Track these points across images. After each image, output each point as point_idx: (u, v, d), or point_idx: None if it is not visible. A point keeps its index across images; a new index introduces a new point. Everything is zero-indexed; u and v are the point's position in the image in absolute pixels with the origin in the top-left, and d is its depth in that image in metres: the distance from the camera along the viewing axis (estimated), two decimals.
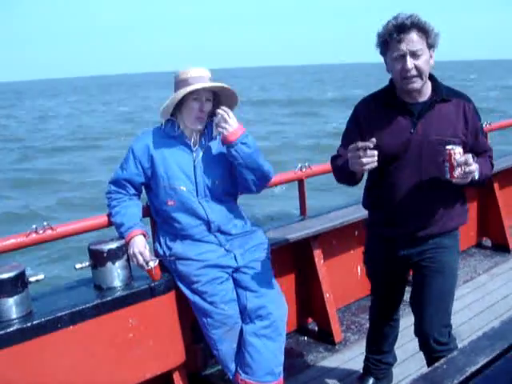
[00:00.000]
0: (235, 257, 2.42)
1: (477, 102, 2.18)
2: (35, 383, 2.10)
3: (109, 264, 2.31)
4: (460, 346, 2.05)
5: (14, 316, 2.07)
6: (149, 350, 2.35)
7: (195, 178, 2.40)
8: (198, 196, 2.40)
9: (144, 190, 2.52)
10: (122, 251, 2.35)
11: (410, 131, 2.04)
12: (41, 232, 2.33)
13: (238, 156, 2.35)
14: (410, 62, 1.94)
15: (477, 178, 1.96)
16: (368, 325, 2.66)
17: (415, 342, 2.33)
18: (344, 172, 2.07)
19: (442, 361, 1.19)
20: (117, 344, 2.27)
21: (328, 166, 2.40)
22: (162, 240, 2.47)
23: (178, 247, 2.42)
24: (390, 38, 1.94)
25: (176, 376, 2.51)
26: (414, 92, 2.03)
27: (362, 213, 2.78)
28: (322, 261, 3.19)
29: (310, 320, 3.34)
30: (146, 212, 2.54)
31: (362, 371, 2.66)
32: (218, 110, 2.35)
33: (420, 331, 2.24)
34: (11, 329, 2.02)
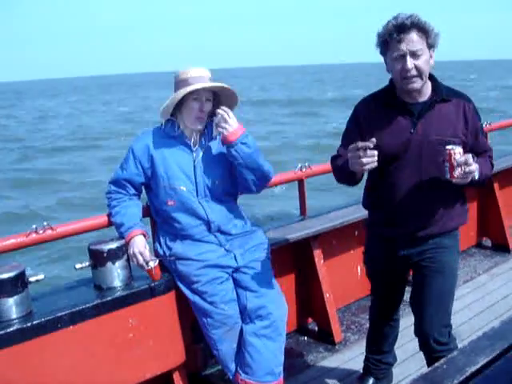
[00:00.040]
0: (235, 257, 2.42)
1: (477, 101, 2.18)
2: (35, 383, 2.10)
3: (109, 264, 2.31)
4: (460, 346, 2.04)
5: (14, 316, 2.07)
6: (149, 350, 2.35)
7: (195, 178, 2.40)
8: (197, 196, 2.40)
9: (144, 190, 2.52)
10: (122, 251, 2.34)
11: (409, 131, 2.04)
12: (41, 232, 2.33)
13: (238, 156, 2.35)
14: (410, 62, 1.94)
15: (477, 178, 1.96)
16: (368, 325, 2.66)
17: (415, 342, 2.33)
18: (344, 172, 2.07)
19: (442, 361, 1.19)
20: (117, 344, 2.27)
21: (328, 166, 2.40)
22: (161, 240, 2.47)
23: (178, 247, 2.42)
24: (390, 37, 1.94)
25: (176, 376, 2.51)
26: (414, 92, 2.03)
27: (361, 213, 2.78)
28: (322, 261, 3.19)
29: (310, 320, 3.34)
30: (146, 212, 2.54)
31: (362, 371, 2.66)
32: (218, 110, 2.35)
33: (420, 331, 2.24)
34: (11, 329, 2.02)
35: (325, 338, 3.15)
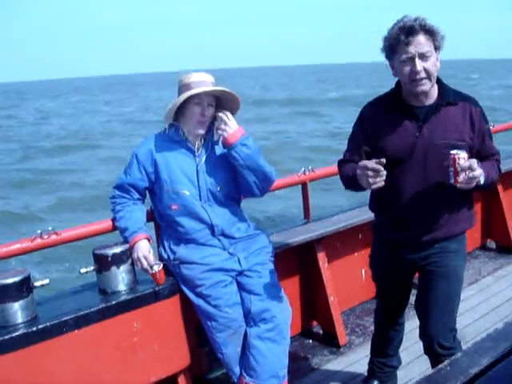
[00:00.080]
0: (239, 260, 2.42)
1: (480, 100, 2.15)
2: None
3: (113, 268, 2.31)
4: (464, 348, 2.04)
5: (19, 321, 2.07)
6: (153, 354, 2.34)
7: (198, 183, 2.40)
8: (201, 200, 2.40)
9: (148, 195, 2.52)
10: (127, 255, 2.34)
11: (415, 135, 2.03)
12: (45, 237, 2.32)
13: (238, 157, 2.36)
14: (420, 65, 1.93)
15: (482, 182, 1.94)
16: (372, 328, 2.65)
17: (420, 345, 2.32)
18: (352, 182, 2.06)
19: (446, 362, 1.19)
20: (122, 348, 2.27)
21: (331, 169, 2.40)
22: (166, 244, 2.47)
23: (182, 251, 2.41)
24: (398, 41, 1.93)
25: (181, 379, 2.51)
26: (422, 95, 2.01)
27: (365, 215, 2.77)
28: (326, 264, 3.18)
29: (314, 323, 3.33)
30: (150, 216, 2.54)
31: (366, 374, 2.66)
32: (218, 114, 2.38)
33: (424, 335, 2.23)
34: (17, 333, 2.02)
35: (329, 341, 3.14)
